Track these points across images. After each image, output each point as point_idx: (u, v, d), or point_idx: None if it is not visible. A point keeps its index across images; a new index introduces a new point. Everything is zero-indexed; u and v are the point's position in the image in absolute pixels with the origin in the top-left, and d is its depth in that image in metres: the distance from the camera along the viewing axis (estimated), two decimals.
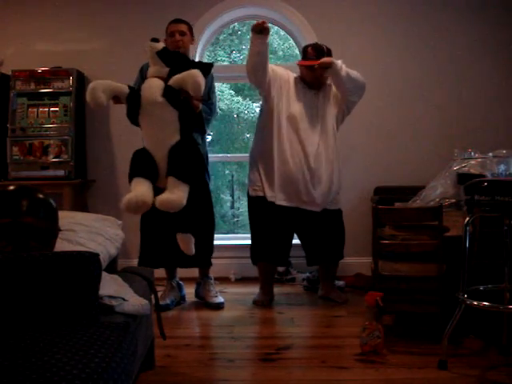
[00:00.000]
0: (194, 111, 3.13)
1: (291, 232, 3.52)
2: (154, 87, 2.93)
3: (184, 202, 2.87)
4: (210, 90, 3.41)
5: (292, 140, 3.39)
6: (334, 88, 3.52)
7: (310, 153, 3.37)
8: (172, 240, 3.38)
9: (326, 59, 3.33)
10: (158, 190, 2.90)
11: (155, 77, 2.98)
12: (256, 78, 3.39)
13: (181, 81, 2.93)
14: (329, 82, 3.54)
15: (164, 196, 2.83)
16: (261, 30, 3.23)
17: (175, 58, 3.04)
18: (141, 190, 2.84)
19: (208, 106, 3.39)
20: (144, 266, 3.41)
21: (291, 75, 3.54)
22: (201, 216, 3.36)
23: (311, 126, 3.41)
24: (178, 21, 3.52)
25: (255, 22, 3.30)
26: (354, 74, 3.38)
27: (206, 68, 3.07)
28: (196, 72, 2.91)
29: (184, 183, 2.89)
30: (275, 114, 3.42)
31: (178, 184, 2.86)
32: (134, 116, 3.01)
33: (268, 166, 3.42)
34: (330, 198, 3.47)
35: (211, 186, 3.62)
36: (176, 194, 2.83)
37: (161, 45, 3.00)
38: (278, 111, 3.42)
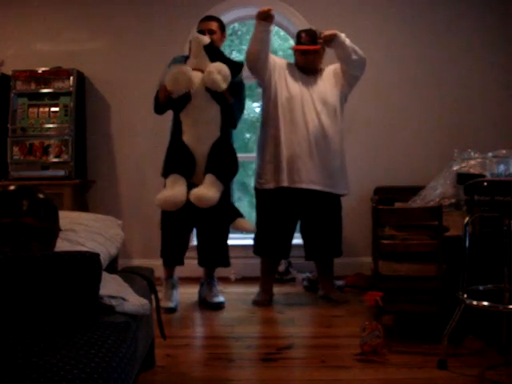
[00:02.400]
0: (230, 105, 3.14)
1: (294, 223, 3.53)
2: (198, 80, 2.96)
3: (216, 201, 2.91)
4: (240, 87, 3.37)
5: (293, 122, 3.41)
6: (332, 68, 3.56)
7: (312, 133, 3.39)
8: (187, 238, 3.40)
9: (328, 31, 3.38)
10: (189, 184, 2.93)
11: (197, 69, 3.00)
12: (257, 65, 3.42)
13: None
14: (322, 66, 3.59)
15: (200, 191, 2.86)
16: (265, 17, 3.27)
17: (218, 54, 3.07)
18: (178, 189, 2.88)
19: (237, 102, 3.33)
20: (168, 265, 3.42)
21: (286, 62, 3.59)
22: (222, 216, 3.34)
23: (311, 107, 3.43)
24: (208, 18, 3.52)
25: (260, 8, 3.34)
26: (355, 47, 3.45)
27: (238, 67, 3.12)
28: (212, 67, 2.94)
29: (221, 183, 2.91)
30: (277, 101, 3.45)
31: (216, 183, 2.90)
32: (180, 107, 3.02)
33: (272, 153, 3.44)
34: (335, 177, 3.46)
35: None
36: (212, 192, 2.87)
37: (207, 39, 3.04)
38: (278, 97, 3.46)
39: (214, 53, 3.06)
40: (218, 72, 2.92)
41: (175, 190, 2.88)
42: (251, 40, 3.40)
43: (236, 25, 5.13)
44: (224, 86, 2.98)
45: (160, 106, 3.23)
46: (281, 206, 3.45)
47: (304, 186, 3.40)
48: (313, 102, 3.44)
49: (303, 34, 3.51)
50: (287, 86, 3.47)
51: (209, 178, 2.90)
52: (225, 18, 4.53)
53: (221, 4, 4.39)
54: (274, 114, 3.46)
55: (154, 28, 4.38)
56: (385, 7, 4.39)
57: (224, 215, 3.30)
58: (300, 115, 3.42)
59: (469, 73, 4.37)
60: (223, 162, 2.95)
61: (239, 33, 5.52)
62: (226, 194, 3.31)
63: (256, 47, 3.36)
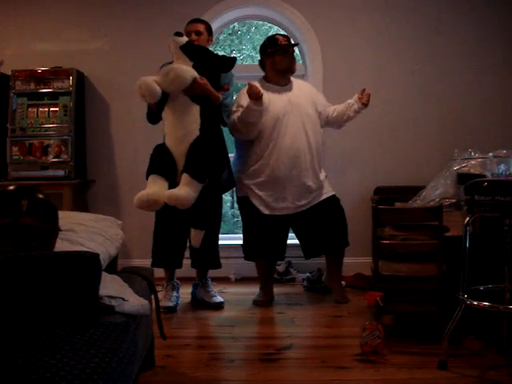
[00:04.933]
0: (215, 105, 3.12)
1: (286, 228, 3.53)
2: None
3: (192, 200, 2.87)
4: (229, 83, 3.33)
5: (275, 142, 3.36)
6: (309, 90, 3.54)
7: (294, 149, 3.36)
8: (184, 241, 3.39)
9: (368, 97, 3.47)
10: (176, 186, 2.91)
11: None
12: (246, 139, 3.43)
13: None
14: (299, 79, 3.60)
15: (173, 191, 2.85)
16: (257, 97, 3.17)
17: (199, 52, 3.07)
18: (154, 188, 2.87)
19: (226, 99, 3.30)
20: (159, 267, 3.39)
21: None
22: (209, 215, 3.32)
23: (292, 123, 3.38)
24: (195, 20, 3.52)
25: (250, 86, 3.18)
26: None
27: (229, 62, 3.10)
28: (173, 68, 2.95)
29: (197, 181, 2.89)
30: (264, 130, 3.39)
31: (191, 182, 2.87)
32: (160, 109, 3.03)
33: (256, 175, 3.41)
34: (316, 192, 3.46)
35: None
36: (185, 192, 2.83)
37: (184, 39, 3.06)
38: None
39: (193, 51, 3.06)
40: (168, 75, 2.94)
41: (151, 189, 2.88)
42: (242, 121, 3.27)
43: (236, 25, 5.14)
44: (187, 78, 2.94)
45: (152, 115, 3.24)
46: (267, 218, 3.43)
47: (284, 213, 3.41)
48: (291, 118, 3.38)
49: (278, 36, 3.48)
50: (271, 108, 3.36)
51: (183, 177, 2.89)
52: (225, 18, 4.54)
53: (221, 4, 4.38)
54: (260, 133, 3.39)
55: (154, 28, 4.38)
56: (387, 7, 4.38)
57: (212, 219, 3.30)
58: (280, 134, 3.36)
59: (469, 73, 4.37)
60: (199, 161, 2.92)
61: (239, 33, 5.53)
62: (216, 198, 3.31)
63: (248, 129, 3.32)
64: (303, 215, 3.47)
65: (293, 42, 3.47)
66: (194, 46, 3.11)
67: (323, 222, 3.47)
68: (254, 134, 3.37)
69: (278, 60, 3.43)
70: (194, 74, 2.98)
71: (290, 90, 3.47)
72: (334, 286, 3.59)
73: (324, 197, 3.50)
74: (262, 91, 3.25)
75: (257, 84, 3.34)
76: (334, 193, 3.56)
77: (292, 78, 3.56)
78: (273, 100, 3.39)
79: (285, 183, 3.39)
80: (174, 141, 2.98)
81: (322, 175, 3.53)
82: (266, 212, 3.41)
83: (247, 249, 3.56)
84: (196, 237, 3.05)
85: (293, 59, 3.46)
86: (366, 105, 3.48)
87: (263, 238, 3.46)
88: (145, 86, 2.91)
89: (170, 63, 3.18)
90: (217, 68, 3.12)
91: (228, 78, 3.30)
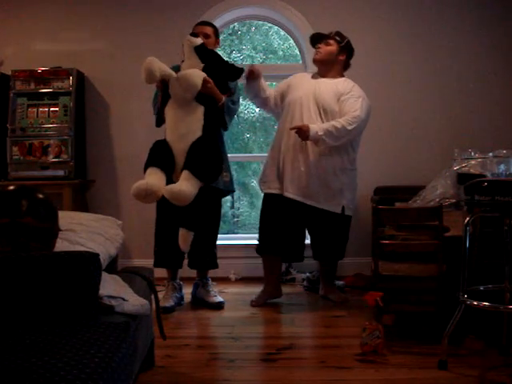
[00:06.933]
0: (218, 106, 3.14)
1: (302, 227, 3.53)
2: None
3: (191, 197, 2.87)
4: (234, 89, 3.36)
5: (287, 124, 3.39)
6: (342, 97, 3.40)
7: (297, 140, 3.33)
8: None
9: (298, 126, 3.25)
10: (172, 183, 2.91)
11: None
12: (266, 110, 3.79)
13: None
14: (344, 78, 3.53)
15: (173, 186, 2.85)
16: (254, 76, 3.43)
17: (211, 56, 3.10)
18: (153, 179, 2.87)
19: (232, 102, 3.33)
20: (160, 267, 3.41)
21: (310, 73, 3.66)
22: (208, 217, 3.35)
23: (309, 111, 3.38)
24: (203, 23, 3.54)
25: (248, 68, 3.40)
26: (336, 130, 3.24)
27: (236, 72, 3.12)
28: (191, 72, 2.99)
29: (197, 179, 2.89)
30: (283, 106, 3.53)
31: (191, 178, 2.88)
32: (165, 103, 3.07)
33: (270, 160, 3.50)
34: (325, 191, 3.38)
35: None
36: (185, 187, 2.84)
37: (199, 40, 3.10)
38: (284, 103, 3.54)
39: (205, 54, 3.09)
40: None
41: (150, 179, 2.88)
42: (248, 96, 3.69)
43: (236, 25, 5.14)
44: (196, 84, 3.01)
45: (160, 118, 3.26)
46: (285, 210, 3.42)
47: (287, 195, 3.38)
48: (310, 106, 3.38)
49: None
50: (295, 91, 3.49)
51: (184, 174, 2.90)
52: (225, 18, 4.55)
53: (221, 4, 4.38)
54: (279, 124, 3.55)
55: (154, 28, 4.38)
56: (387, 7, 4.38)
57: (210, 219, 3.34)
58: (293, 120, 3.37)
59: (469, 73, 4.37)
60: (201, 159, 2.93)
61: (239, 33, 5.53)
62: (216, 199, 3.31)
63: (255, 101, 3.71)
64: (315, 218, 3.44)
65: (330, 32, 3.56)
66: (208, 49, 3.14)
67: (326, 234, 3.48)
68: (268, 108, 3.69)
69: None
70: (202, 74, 3.03)
71: (323, 81, 3.48)
72: (328, 293, 3.59)
73: (334, 209, 3.39)
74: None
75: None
76: (345, 212, 3.41)
77: (343, 78, 3.52)
78: (300, 84, 3.52)
79: (288, 166, 3.39)
80: (175, 137, 2.99)
81: (331, 179, 3.37)
82: (268, 191, 3.46)
83: (261, 242, 3.53)
84: (184, 238, 3.01)
85: (319, 54, 3.49)
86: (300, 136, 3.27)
87: (279, 233, 3.43)
88: (145, 69, 2.95)
89: (178, 67, 3.18)
90: (225, 75, 3.14)
91: (232, 84, 3.33)
